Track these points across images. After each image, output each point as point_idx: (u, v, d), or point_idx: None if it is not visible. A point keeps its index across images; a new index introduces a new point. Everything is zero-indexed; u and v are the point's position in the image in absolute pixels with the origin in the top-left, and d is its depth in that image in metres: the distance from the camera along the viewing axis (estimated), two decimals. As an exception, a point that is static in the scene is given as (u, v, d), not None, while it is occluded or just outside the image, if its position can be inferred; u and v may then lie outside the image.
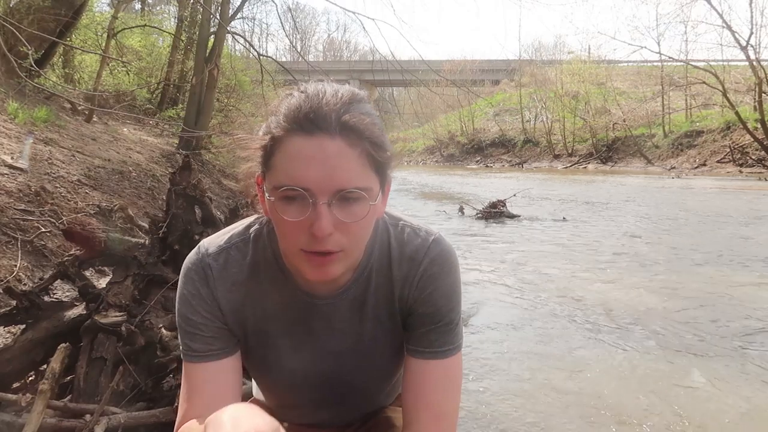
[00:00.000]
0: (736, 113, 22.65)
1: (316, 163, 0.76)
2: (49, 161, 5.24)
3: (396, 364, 1.04)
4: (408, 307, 0.95)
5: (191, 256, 0.95)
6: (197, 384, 0.93)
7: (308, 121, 0.76)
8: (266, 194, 0.82)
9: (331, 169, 0.76)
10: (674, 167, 24.58)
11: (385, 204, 0.90)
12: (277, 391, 1.09)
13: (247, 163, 0.87)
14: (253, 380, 1.17)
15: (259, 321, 0.96)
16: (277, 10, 22.66)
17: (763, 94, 21.56)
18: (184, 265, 0.95)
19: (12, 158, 4.70)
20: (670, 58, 29.70)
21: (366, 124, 0.78)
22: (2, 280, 2.97)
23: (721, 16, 24.19)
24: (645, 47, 40.90)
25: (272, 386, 1.08)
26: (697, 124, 27.25)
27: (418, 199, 12.99)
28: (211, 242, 0.95)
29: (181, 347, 0.95)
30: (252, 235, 0.95)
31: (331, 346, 0.98)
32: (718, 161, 23.50)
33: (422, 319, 0.94)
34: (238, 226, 0.97)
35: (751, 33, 23.43)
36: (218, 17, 10.17)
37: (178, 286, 0.94)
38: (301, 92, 0.81)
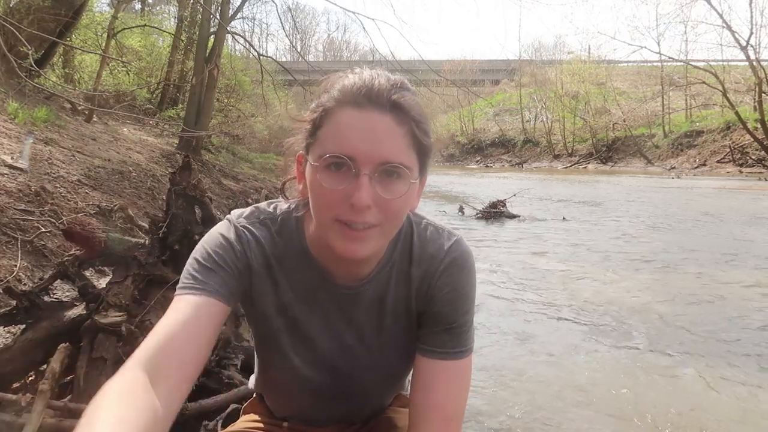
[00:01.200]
0: (736, 113, 22.67)
1: (364, 135, 0.79)
2: (49, 161, 5.24)
3: (406, 364, 1.04)
4: (424, 305, 0.96)
5: (222, 223, 0.95)
6: (176, 312, 0.84)
7: (361, 95, 0.80)
8: (309, 163, 0.84)
9: (378, 142, 0.78)
10: (674, 167, 24.59)
11: (419, 197, 0.91)
12: (282, 382, 1.08)
13: (293, 137, 0.89)
14: (253, 376, 1.16)
15: (279, 303, 0.96)
16: (277, 10, 22.76)
17: (763, 94, 21.57)
18: (215, 228, 0.94)
19: (12, 158, 4.70)
20: (670, 58, 29.79)
21: (414, 105, 0.82)
22: (2, 280, 2.97)
23: (721, 16, 24.25)
24: (645, 47, 41.02)
25: (279, 376, 1.07)
26: (697, 124, 27.28)
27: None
28: (241, 214, 0.95)
29: (181, 282, 0.88)
30: (280, 217, 0.95)
31: (346, 338, 0.98)
32: (718, 161, 23.52)
33: (436, 318, 0.95)
34: (264, 205, 0.98)
35: (751, 33, 23.50)
36: (218, 17, 10.18)
37: (207, 235, 0.92)
38: (355, 73, 0.84)
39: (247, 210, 0.96)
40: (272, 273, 0.94)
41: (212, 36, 10.96)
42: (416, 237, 0.96)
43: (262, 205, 0.98)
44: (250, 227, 0.93)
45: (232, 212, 0.96)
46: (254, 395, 1.19)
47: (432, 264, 0.94)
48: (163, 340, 0.80)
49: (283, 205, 0.97)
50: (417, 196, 0.90)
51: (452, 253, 0.94)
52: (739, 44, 23.28)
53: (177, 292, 0.87)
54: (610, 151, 30.91)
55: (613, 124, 31.38)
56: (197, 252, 0.91)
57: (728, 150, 23.41)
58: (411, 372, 1.00)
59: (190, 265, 0.90)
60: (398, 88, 0.82)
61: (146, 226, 2.96)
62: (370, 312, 0.97)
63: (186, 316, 0.83)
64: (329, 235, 0.83)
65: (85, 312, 2.06)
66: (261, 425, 1.15)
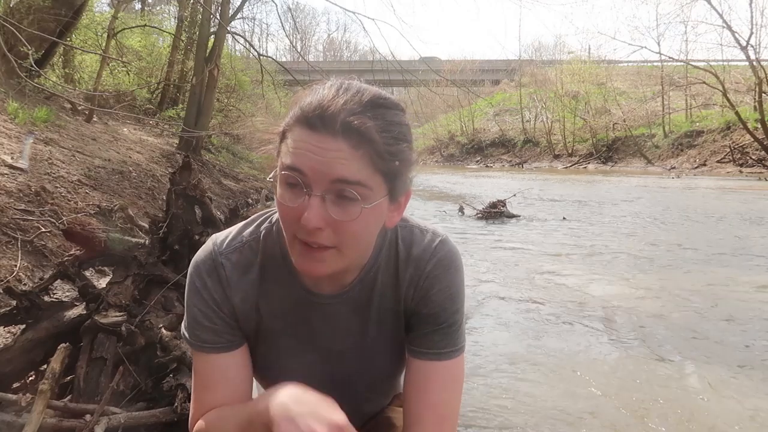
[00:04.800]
0: (736, 113, 22.66)
1: (315, 157, 0.77)
2: (49, 161, 5.24)
3: (397, 365, 1.04)
4: (412, 308, 0.96)
5: (204, 251, 0.95)
6: (209, 378, 0.94)
7: (315, 117, 0.78)
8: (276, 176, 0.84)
9: (328, 164, 0.77)
10: (674, 167, 24.59)
11: (400, 213, 0.89)
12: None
13: (269, 146, 0.89)
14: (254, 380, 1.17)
15: (265, 319, 0.96)
16: (277, 10, 22.85)
17: (763, 94, 21.56)
18: (196, 257, 0.95)
19: (12, 158, 4.70)
20: (670, 58, 29.77)
21: (370, 128, 0.77)
22: (2, 280, 2.97)
23: (721, 16, 24.25)
24: (645, 47, 40.99)
25: (272, 383, 1.08)
26: (697, 124, 27.27)
27: (418, 199, 12.98)
28: (225, 239, 0.95)
29: (187, 336, 0.95)
30: (263, 232, 0.95)
31: (333, 346, 0.98)
32: (718, 161, 23.51)
33: (426, 319, 0.94)
34: (250, 223, 0.98)
35: (751, 33, 23.48)
36: (218, 17, 10.19)
37: (189, 275, 0.95)
38: (323, 87, 0.82)
39: (231, 234, 0.96)
40: (254, 297, 0.95)
41: (212, 36, 10.97)
42: (401, 240, 0.95)
43: (249, 222, 0.98)
44: (230, 257, 0.93)
45: (216, 237, 0.96)
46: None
47: (418, 266, 0.94)
48: (214, 399, 0.93)
49: (267, 219, 0.97)
50: (397, 211, 0.88)
51: (438, 253, 0.94)
52: (739, 44, 23.29)
53: (191, 346, 0.96)
54: (610, 151, 30.89)
55: (613, 124, 31.36)
56: (187, 305, 0.95)
57: (728, 150, 23.40)
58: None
59: (187, 318, 0.95)
60: (361, 106, 0.78)
61: (146, 226, 2.96)
62: (355, 318, 0.97)
63: (217, 373, 0.94)
64: (291, 251, 0.84)
65: (85, 312, 2.06)
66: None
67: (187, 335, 0.95)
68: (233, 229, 0.97)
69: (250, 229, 0.96)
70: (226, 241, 0.95)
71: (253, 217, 0.99)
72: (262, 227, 0.96)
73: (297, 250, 0.82)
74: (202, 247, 0.96)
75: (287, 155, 0.80)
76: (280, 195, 0.81)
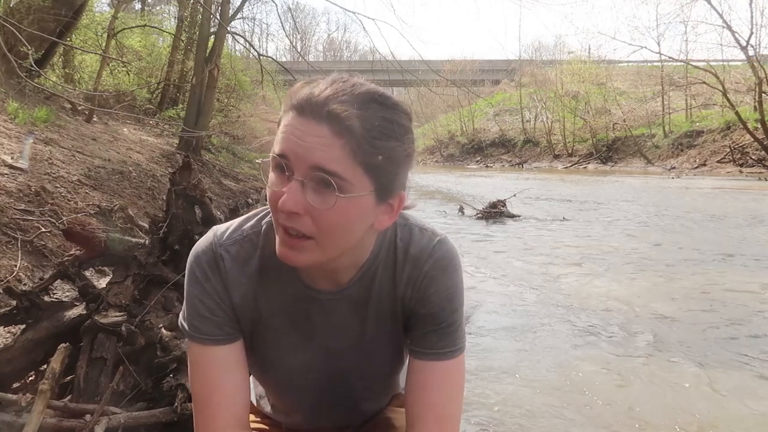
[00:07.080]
0: (736, 113, 22.67)
1: (298, 140, 0.78)
2: (49, 161, 5.24)
3: (395, 364, 1.04)
4: (410, 308, 0.95)
5: (204, 241, 0.94)
6: (211, 372, 0.93)
7: (304, 102, 0.79)
8: None
9: (310, 147, 0.77)
10: (674, 167, 24.60)
11: (392, 217, 0.88)
12: (275, 390, 1.09)
13: (273, 136, 0.90)
14: (251, 380, 1.17)
15: (264, 315, 0.96)
16: (277, 10, 22.85)
17: (763, 94, 21.57)
18: (196, 247, 0.95)
19: (12, 158, 4.70)
20: (670, 58, 29.78)
21: (353, 116, 0.77)
22: (2, 280, 2.97)
23: (721, 16, 24.28)
24: (645, 47, 40.99)
25: (271, 384, 1.08)
26: (697, 124, 27.29)
27: (418, 199, 12.95)
28: (225, 231, 0.95)
29: (186, 327, 0.94)
30: (264, 227, 0.95)
31: (331, 344, 0.98)
32: (718, 161, 23.53)
33: (424, 319, 0.94)
34: (252, 216, 0.97)
35: (751, 33, 23.54)
36: (218, 17, 10.20)
37: (188, 265, 0.94)
38: (321, 79, 0.83)
39: (232, 226, 0.96)
40: (253, 291, 0.94)
41: (212, 36, 10.98)
42: (399, 239, 0.95)
43: (251, 216, 0.98)
44: (230, 249, 0.93)
45: (216, 229, 0.96)
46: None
47: (416, 265, 0.93)
48: (218, 397, 0.93)
49: (269, 214, 0.96)
50: (389, 215, 0.87)
51: (436, 253, 0.93)
52: (739, 44, 23.33)
53: (190, 339, 0.94)
54: (610, 151, 30.91)
55: (613, 124, 31.38)
56: (187, 295, 0.94)
57: (728, 150, 23.41)
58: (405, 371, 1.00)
59: (187, 309, 0.94)
60: (349, 97, 0.78)
61: (146, 226, 2.96)
62: (353, 316, 0.97)
63: (218, 367, 0.94)
64: (277, 238, 0.84)
65: (85, 312, 2.06)
66: (260, 426, 1.15)
67: (186, 326, 0.94)
68: (235, 222, 0.97)
69: (252, 222, 0.96)
70: (227, 233, 0.94)
71: (255, 211, 0.99)
72: (264, 221, 0.95)
73: (280, 236, 0.83)
74: (203, 237, 0.96)
75: (276, 140, 0.82)
76: (269, 179, 0.82)
